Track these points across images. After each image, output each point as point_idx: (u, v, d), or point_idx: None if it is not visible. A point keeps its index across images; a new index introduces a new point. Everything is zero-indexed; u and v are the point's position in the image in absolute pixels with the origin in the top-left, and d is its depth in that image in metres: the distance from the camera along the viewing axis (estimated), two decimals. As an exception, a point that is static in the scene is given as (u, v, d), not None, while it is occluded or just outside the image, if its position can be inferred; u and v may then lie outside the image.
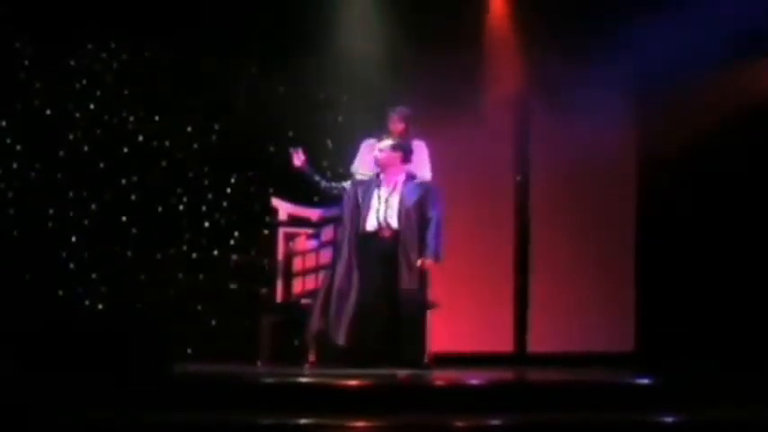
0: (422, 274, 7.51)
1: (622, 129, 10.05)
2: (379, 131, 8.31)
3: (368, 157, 8.11)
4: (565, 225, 9.96)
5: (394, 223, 7.60)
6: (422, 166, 8.17)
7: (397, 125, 8.08)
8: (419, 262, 7.49)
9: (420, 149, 8.16)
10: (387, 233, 7.62)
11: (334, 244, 7.89)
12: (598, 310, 9.96)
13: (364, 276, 7.50)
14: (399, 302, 7.39)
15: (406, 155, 7.80)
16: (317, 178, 8.08)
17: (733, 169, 9.57)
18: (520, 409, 6.05)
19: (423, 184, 7.76)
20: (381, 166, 7.83)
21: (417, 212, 7.57)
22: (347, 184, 7.93)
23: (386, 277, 7.47)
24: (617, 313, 10.09)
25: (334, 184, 8.03)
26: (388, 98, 9.78)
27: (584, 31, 9.66)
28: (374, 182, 7.86)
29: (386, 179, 7.80)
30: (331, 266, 7.74)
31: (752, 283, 9.43)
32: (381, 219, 7.66)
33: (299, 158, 8.11)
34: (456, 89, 9.88)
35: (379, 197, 7.75)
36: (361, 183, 7.89)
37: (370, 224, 7.71)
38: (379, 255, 7.57)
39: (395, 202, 7.67)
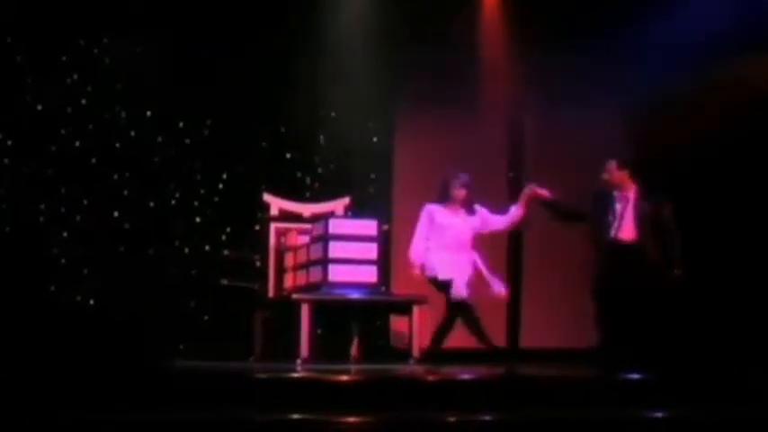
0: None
1: (617, 126, 10.05)
2: (439, 197, 7.93)
3: (436, 221, 7.84)
4: (557, 223, 9.97)
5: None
6: (491, 221, 8.03)
7: (459, 191, 7.88)
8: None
9: (484, 212, 8.00)
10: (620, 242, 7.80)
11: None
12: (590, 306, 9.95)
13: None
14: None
15: (632, 170, 7.90)
16: (561, 204, 8.02)
17: (727, 168, 9.59)
18: (512, 405, 6.06)
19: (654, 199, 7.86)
20: (615, 186, 7.87)
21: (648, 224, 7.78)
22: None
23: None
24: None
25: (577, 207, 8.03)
26: (381, 95, 9.86)
27: (579, 29, 9.67)
28: (609, 197, 7.90)
29: (619, 196, 7.87)
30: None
31: (743, 281, 9.45)
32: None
33: (542, 191, 7.98)
34: (449, 85, 9.89)
35: (614, 211, 7.84)
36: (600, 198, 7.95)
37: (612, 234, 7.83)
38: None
39: (628, 215, 7.81)
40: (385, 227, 8.41)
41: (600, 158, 7.96)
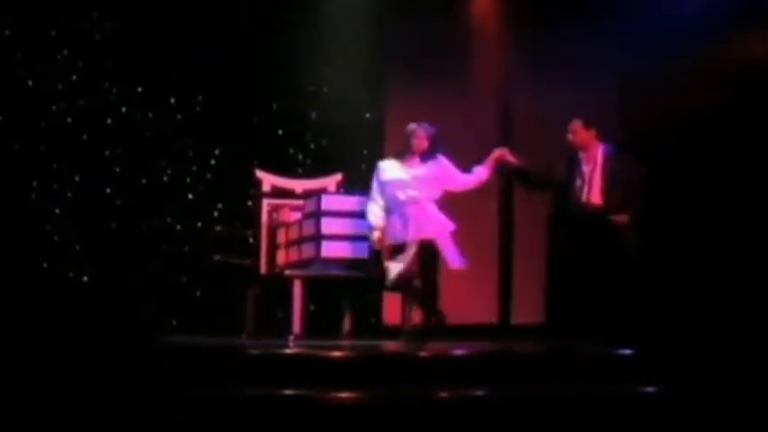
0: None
1: (606, 104, 10.02)
2: (399, 150, 7.70)
3: (380, 178, 7.53)
4: (548, 197, 9.98)
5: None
6: (456, 176, 7.68)
7: (422, 142, 7.53)
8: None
9: (445, 163, 7.63)
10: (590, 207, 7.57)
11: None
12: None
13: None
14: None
15: (598, 132, 7.72)
16: (527, 169, 7.79)
17: (722, 147, 9.58)
18: (504, 380, 6.08)
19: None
20: (581, 146, 7.63)
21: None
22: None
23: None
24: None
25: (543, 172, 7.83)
26: (373, 71, 9.83)
27: (573, 5, 9.63)
28: (575, 160, 7.67)
29: (586, 157, 7.67)
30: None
31: (725, 261, 9.44)
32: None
33: (511, 156, 7.71)
34: (442, 61, 9.86)
35: (582, 174, 7.62)
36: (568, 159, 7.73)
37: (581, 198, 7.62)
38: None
39: (597, 177, 7.60)
40: (377, 203, 8.38)
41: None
